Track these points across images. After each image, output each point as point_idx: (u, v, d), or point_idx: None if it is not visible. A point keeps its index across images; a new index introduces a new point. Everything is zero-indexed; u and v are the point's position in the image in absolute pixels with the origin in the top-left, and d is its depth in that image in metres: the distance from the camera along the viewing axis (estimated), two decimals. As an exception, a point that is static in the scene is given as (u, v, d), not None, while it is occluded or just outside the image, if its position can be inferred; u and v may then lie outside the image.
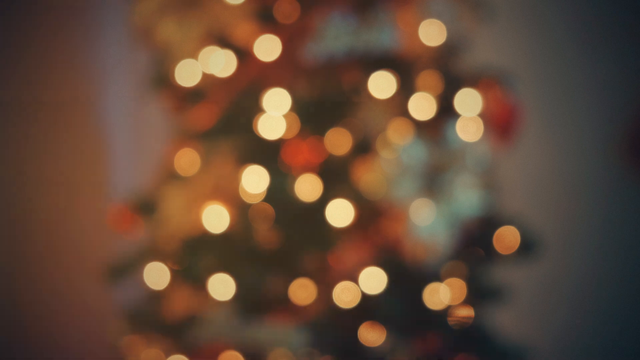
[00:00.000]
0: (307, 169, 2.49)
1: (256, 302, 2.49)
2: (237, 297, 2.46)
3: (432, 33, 2.56)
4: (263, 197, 2.46)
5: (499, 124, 2.61)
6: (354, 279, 2.46)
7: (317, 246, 2.48)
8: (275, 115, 2.47)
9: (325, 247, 2.48)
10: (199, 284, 2.49)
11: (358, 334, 2.48)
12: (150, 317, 2.61)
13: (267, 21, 2.52)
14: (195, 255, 2.51)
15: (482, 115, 2.58)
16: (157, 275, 2.57)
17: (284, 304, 2.48)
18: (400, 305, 2.49)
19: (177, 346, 2.54)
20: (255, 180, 2.46)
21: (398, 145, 2.49)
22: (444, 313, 2.54)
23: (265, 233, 2.49)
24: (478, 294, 2.59)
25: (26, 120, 3.19)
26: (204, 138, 2.56)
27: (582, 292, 3.45)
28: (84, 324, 3.18)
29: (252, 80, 2.52)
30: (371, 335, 2.48)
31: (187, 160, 2.59)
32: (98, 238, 3.17)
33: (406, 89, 2.53)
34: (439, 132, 2.55)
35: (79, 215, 3.22)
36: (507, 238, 2.61)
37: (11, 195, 3.18)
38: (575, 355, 3.45)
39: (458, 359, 2.57)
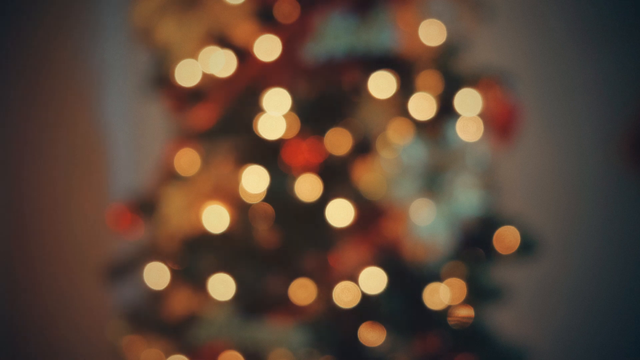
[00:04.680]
0: (307, 169, 2.49)
1: (256, 302, 2.49)
2: (237, 297, 2.46)
3: (432, 33, 2.56)
4: (263, 197, 2.46)
5: (499, 124, 2.61)
6: (354, 279, 2.46)
7: (317, 246, 2.48)
8: (275, 115, 2.47)
9: (325, 247, 2.48)
10: (199, 284, 2.49)
11: (358, 334, 2.48)
12: (150, 317, 2.61)
13: (267, 21, 2.52)
14: (195, 255, 2.51)
15: (482, 115, 2.58)
16: (157, 275, 2.57)
17: (284, 304, 2.48)
18: (400, 305, 2.49)
19: (177, 346, 2.54)
20: (255, 180, 2.46)
21: (398, 145, 2.49)
22: (444, 313, 2.54)
23: (265, 233, 2.49)
24: (478, 294, 2.59)
25: (26, 120, 3.18)
26: (204, 138, 2.56)
27: (582, 292, 3.45)
28: (84, 324, 3.18)
29: (252, 80, 2.52)
30: (371, 335, 2.48)
31: (187, 160, 2.59)
32: (98, 238, 3.17)
33: (406, 89, 2.53)
34: (439, 132, 2.55)
35: (79, 215, 3.22)
36: (507, 238, 2.61)
37: (11, 195, 3.18)
38: (575, 355, 3.45)
39: (458, 359, 2.57)
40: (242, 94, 2.52)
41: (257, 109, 2.47)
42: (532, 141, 3.21)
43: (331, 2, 2.50)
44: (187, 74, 2.56)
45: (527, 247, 2.63)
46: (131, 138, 3.32)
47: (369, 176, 2.48)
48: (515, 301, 2.69)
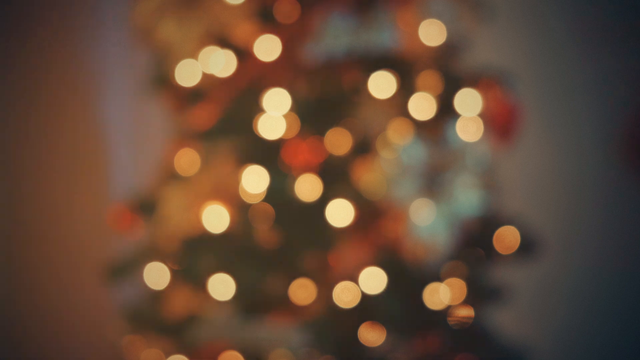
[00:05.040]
0: (307, 169, 2.49)
1: (256, 302, 2.49)
2: (237, 297, 2.46)
3: (432, 33, 2.56)
4: (263, 197, 2.46)
5: (499, 124, 2.61)
6: (354, 279, 2.46)
7: (317, 246, 2.48)
8: (275, 115, 2.47)
9: (325, 247, 2.48)
10: (199, 284, 2.49)
11: (358, 334, 2.48)
12: (150, 317, 2.61)
13: (267, 21, 2.52)
14: (195, 255, 2.51)
15: (482, 115, 2.58)
16: (157, 275, 2.57)
17: (284, 304, 2.48)
18: (400, 305, 2.49)
19: (177, 346, 2.54)
20: (255, 180, 2.46)
21: (398, 145, 2.49)
22: (444, 313, 2.54)
23: (265, 233, 2.49)
24: (478, 294, 2.59)
25: (26, 120, 3.19)
26: (204, 138, 2.56)
27: (582, 292, 3.45)
28: (84, 324, 3.18)
29: (252, 80, 2.52)
30: (371, 335, 2.48)
31: (187, 160, 2.59)
32: (98, 238, 3.17)
33: (406, 89, 2.53)
34: (439, 132, 2.55)
35: (79, 215, 3.22)
36: (507, 238, 2.61)
37: (11, 195, 3.18)
38: (575, 355, 3.45)
39: (458, 359, 2.57)
40: (242, 94, 2.52)
41: (257, 109, 2.47)
42: (532, 141, 3.21)
43: (331, 2, 2.50)
44: (187, 74, 2.56)
45: (527, 247, 2.63)
46: (131, 138, 3.32)
47: (369, 176, 2.48)
48: (515, 301, 2.69)
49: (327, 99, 2.52)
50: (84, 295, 3.18)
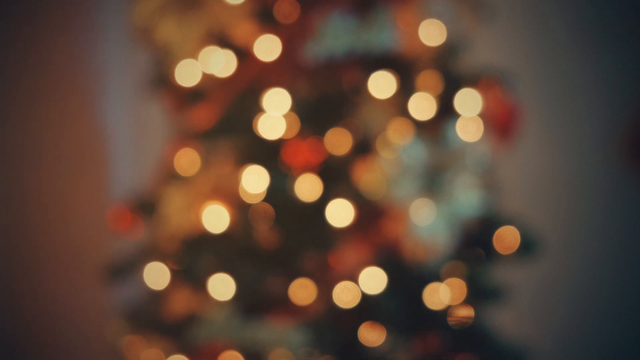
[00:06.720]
0: (307, 169, 2.49)
1: (256, 302, 2.49)
2: (237, 297, 2.46)
3: (432, 33, 2.56)
4: (263, 197, 2.46)
5: (499, 124, 2.61)
6: (354, 279, 2.47)
7: (317, 246, 2.49)
8: (275, 115, 2.47)
9: (325, 247, 2.48)
10: (199, 284, 2.49)
11: (358, 334, 2.48)
12: (150, 317, 2.61)
13: (267, 21, 2.52)
14: (195, 255, 2.51)
15: (482, 115, 2.58)
16: (157, 275, 2.57)
17: (284, 304, 2.48)
18: (400, 305, 2.49)
19: (177, 346, 2.54)
20: (255, 180, 2.46)
21: (398, 145, 2.49)
22: (444, 313, 2.54)
23: (265, 233, 2.49)
24: (478, 294, 2.59)
25: (26, 120, 3.18)
26: (204, 138, 2.56)
27: (582, 292, 3.45)
28: (84, 324, 3.18)
29: (252, 80, 2.52)
30: (371, 335, 2.48)
31: (187, 160, 2.59)
32: (98, 238, 3.17)
33: (406, 89, 2.53)
34: (439, 132, 2.55)
35: (79, 215, 3.22)
36: (507, 238, 2.61)
37: (11, 195, 3.18)
38: (575, 355, 3.45)
39: (458, 359, 2.57)
40: (242, 94, 2.52)
41: (257, 109, 2.47)
42: (532, 141, 3.21)
43: (331, 2, 2.50)
44: (187, 74, 2.56)
45: (527, 247, 2.63)
46: (131, 138, 3.32)
47: (369, 176, 2.48)
48: (515, 301, 2.69)
49: (327, 99, 2.52)
50: (84, 295, 3.18)
